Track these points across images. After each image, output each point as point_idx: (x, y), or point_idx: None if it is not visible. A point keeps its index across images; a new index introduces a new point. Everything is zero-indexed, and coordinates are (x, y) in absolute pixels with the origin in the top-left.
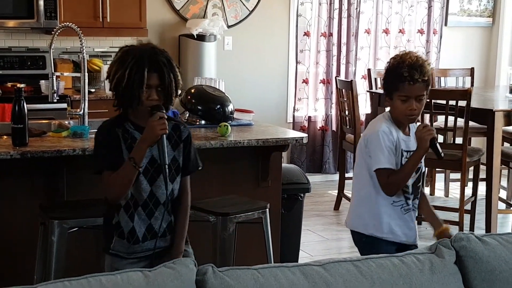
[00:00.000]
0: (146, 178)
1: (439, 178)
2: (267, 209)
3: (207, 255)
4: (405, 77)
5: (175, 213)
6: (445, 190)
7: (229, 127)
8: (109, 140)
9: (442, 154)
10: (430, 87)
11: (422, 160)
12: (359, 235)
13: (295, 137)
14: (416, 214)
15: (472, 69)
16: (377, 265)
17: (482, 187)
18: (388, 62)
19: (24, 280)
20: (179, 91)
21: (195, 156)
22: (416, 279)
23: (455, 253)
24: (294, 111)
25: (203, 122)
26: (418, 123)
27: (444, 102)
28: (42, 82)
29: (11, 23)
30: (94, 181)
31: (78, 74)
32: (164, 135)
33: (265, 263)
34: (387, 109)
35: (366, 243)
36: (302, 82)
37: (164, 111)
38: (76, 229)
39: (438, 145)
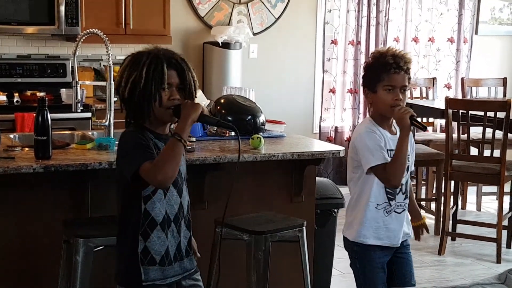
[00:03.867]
0: (176, 188)
1: (471, 191)
2: (304, 227)
3: (240, 276)
4: (390, 65)
5: None
6: (477, 204)
7: (262, 140)
8: (141, 140)
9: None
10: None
11: (411, 159)
12: (349, 242)
13: (331, 150)
14: (406, 214)
15: (504, 79)
16: None
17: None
18: (366, 61)
19: None
20: (199, 94)
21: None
22: None
23: None
24: (320, 121)
25: (233, 134)
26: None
27: (481, 113)
28: (63, 90)
29: (30, 29)
30: None
31: (103, 83)
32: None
33: (300, 283)
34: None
35: (357, 252)
36: (329, 92)
37: None
38: (102, 247)
39: (417, 119)
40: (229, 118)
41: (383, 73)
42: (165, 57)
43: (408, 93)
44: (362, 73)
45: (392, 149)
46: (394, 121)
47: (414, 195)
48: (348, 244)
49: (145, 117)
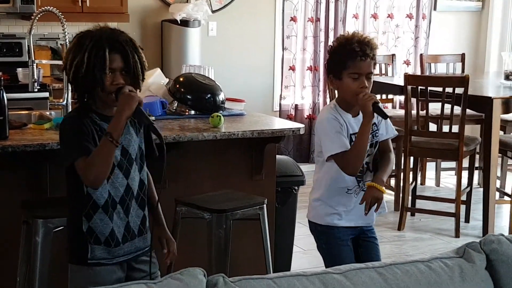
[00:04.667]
0: (122, 171)
1: (430, 167)
2: (265, 205)
3: (201, 254)
4: (356, 52)
5: (149, 205)
6: (436, 179)
7: (222, 118)
8: (80, 129)
9: (388, 114)
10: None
11: (384, 131)
12: (314, 224)
13: (292, 128)
14: None
15: (463, 55)
16: (403, 272)
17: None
18: (331, 45)
19: (6, 282)
20: (145, 75)
21: (153, 141)
22: (446, 287)
23: (485, 257)
24: (280, 99)
25: (192, 112)
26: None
27: (439, 89)
28: (19, 70)
29: None
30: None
31: (60, 62)
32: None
33: (262, 261)
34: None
35: (322, 232)
36: (289, 69)
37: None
38: (61, 228)
39: (380, 106)
40: (188, 96)
41: (348, 60)
42: (108, 41)
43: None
44: (327, 58)
45: (356, 132)
46: None
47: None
48: (315, 227)
49: (89, 100)
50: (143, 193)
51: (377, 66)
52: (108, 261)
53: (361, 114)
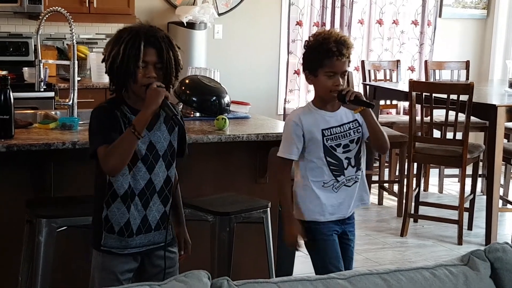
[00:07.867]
0: (145, 165)
1: (433, 173)
2: (269, 208)
3: (204, 257)
4: (333, 52)
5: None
6: (439, 186)
7: (227, 121)
8: (108, 119)
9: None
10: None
11: (363, 130)
12: (300, 222)
13: None
14: (359, 184)
15: (467, 62)
16: (407, 278)
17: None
18: (307, 41)
19: (8, 281)
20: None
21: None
22: None
23: (490, 265)
24: (285, 103)
25: (198, 114)
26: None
27: (444, 96)
28: (25, 69)
29: None
30: (83, 176)
31: (66, 62)
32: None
33: (264, 264)
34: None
35: (307, 228)
36: (294, 73)
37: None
38: (65, 228)
39: (363, 98)
40: (193, 98)
41: (325, 59)
42: (144, 35)
43: (372, 75)
44: (303, 53)
45: (331, 127)
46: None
47: (377, 176)
48: (301, 224)
49: (121, 91)
50: (168, 189)
51: (382, 72)
52: (120, 251)
53: (340, 109)
